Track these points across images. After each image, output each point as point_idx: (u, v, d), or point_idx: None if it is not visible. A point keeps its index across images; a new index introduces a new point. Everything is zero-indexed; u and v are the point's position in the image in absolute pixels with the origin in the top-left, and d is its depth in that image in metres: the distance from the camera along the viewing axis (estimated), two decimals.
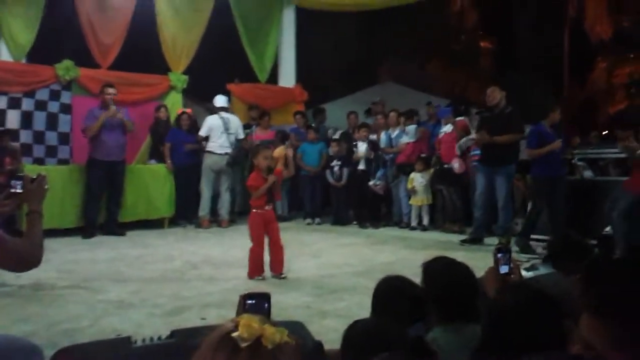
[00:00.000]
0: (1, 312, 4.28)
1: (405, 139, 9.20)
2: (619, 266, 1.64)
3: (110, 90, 8.21)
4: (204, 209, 9.11)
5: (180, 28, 10.00)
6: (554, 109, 7.32)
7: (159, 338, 2.22)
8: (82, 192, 8.09)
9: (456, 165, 8.46)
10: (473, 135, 7.71)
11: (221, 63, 12.10)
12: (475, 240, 7.52)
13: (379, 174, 9.39)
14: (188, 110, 9.53)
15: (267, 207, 5.55)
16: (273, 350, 1.06)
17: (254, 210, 5.55)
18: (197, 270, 5.88)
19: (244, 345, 1.05)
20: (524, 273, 2.77)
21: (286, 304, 4.50)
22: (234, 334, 1.06)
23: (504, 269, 2.45)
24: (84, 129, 8.16)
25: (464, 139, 8.26)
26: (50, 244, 6.70)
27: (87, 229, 7.93)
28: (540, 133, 7.17)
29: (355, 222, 9.48)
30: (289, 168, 6.27)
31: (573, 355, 1.19)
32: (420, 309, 2.18)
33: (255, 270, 5.44)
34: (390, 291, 2.24)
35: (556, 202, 7.12)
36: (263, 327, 1.08)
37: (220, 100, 9.41)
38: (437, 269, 2.30)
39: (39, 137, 8.53)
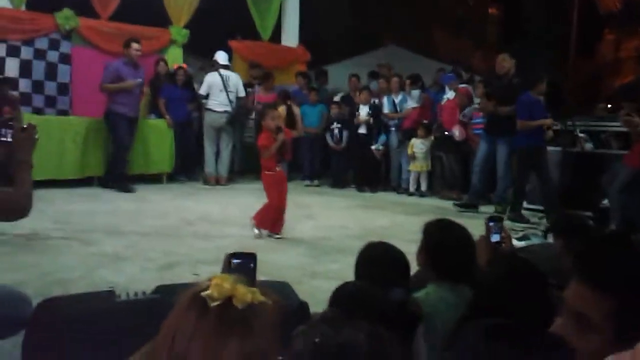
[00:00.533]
0: None
1: (410, 104, 9.14)
2: (613, 237, 1.64)
3: (136, 45, 8.16)
4: (209, 165, 9.13)
5: None
6: (542, 79, 7.19)
7: (144, 293, 2.22)
8: (84, 144, 8.06)
9: (457, 132, 8.42)
10: (475, 106, 7.65)
11: (223, 19, 11.90)
12: (469, 205, 7.54)
13: (381, 138, 9.35)
14: (184, 65, 9.44)
15: (277, 168, 5.62)
16: (243, 311, 1.04)
17: (265, 172, 5.59)
18: (192, 227, 5.90)
19: (213, 304, 1.03)
20: (515, 242, 2.78)
21: (279, 264, 4.53)
22: (204, 293, 1.04)
23: (495, 238, 2.45)
24: (102, 85, 8.12)
25: (468, 108, 8.17)
26: (47, 194, 6.74)
27: (118, 180, 7.98)
28: (530, 103, 7.08)
29: (353, 186, 9.46)
30: (297, 128, 6.29)
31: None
32: (403, 276, 2.19)
33: (263, 223, 5.50)
34: (373, 257, 2.24)
35: (545, 172, 7.12)
36: (235, 286, 1.06)
37: (221, 57, 9.30)
38: (435, 227, 2.36)
39: (38, 87, 8.45)
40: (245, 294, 1.05)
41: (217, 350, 1.03)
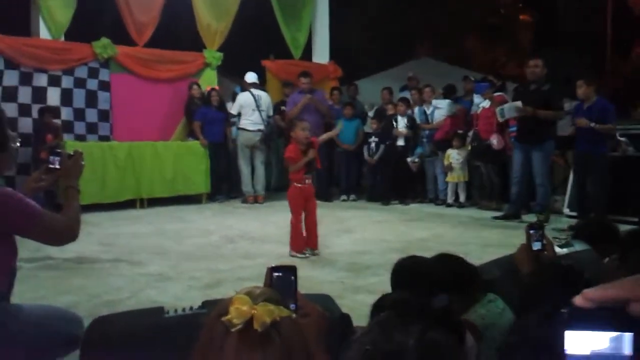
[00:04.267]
0: (46, 284, 4.43)
1: (441, 113, 9.13)
2: None
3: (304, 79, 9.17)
4: (246, 185, 9.24)
5: (214, 5, 10.03)
6: (578, 84, 7.08)
7: (191, 308, 2.27)
8: (124, 167, 8.29)
9: (495, 141, 8.32)
10: (519, 103, 7.31)
11: (255, 40, 12.11)
12: (509, 216, 7.44)
13: (417, 151, 9.34)
14: (216, 87, 9.61)
15: (307, 181, 5.49)
16: (263, 332, 1.05)
17: (294, 184, 5.51)
18: (233, 245, 5.97)
19: (233, 330, 1.05)
20: (557, 250, 2.74)
21: (320, 279, 4.56)
22: (224, 318, 1.06)
23: (536, 246, 2.43)
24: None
25: (507, 105, 7.73)
26: (92, 218, 6.93)
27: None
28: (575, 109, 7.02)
29: (395, 200, 9.30)
30: (322, 137, 6.18)
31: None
32: (440, 285, 2.19)
33: (297, 244, 5.45)
34: (406, 271, 2.25)
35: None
36: (254, 308, 1.07)
37: (250, 77, 9.46)
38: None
39: (79, 114, 8.72)
40: (263, 316, 1.06)
41: None
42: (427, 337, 1.17)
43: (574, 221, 6.85)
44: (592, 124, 6.82)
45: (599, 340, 0.56)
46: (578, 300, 0.58)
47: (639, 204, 6.75)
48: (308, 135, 5.47)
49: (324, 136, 6.22)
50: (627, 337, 0.56)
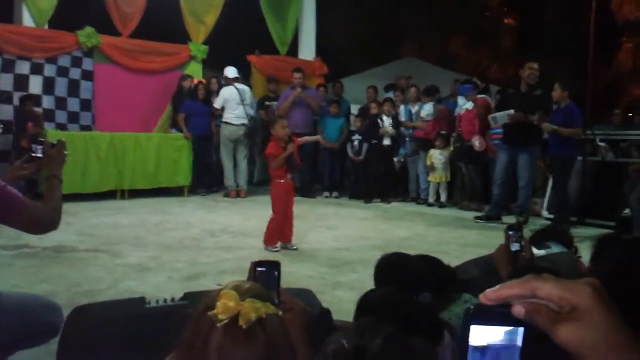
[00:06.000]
0: (25, 273, 4.39)
1: (424, 117, 9.19)
2: (630, 242, 1.66)
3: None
4: (229, 179, 9.22)
5: None
6: (554, 88, 7.14)
7: (173, 300, 2.28)
8: (106, 158, 8.22)
9: (477, 143, 8.40)
10: (511, 112, 7.36)
11: (241, 34, 12.08)
12: (490, 217, 7.52)
13: (402, 151, 9.41)
14: (203, 80, 9.58)
15: (289, 177, 5.55)
16: (248, 329, 1.06)
17: (277, 181, 5.56)
18: (215, 239, 5.97)
19: (219, 325, 1.06)
20: (535, 251, 2.78)
21: (301, 274, 4.57)
22: (210, 313, 1.07)
23: (515, 247, 2.46)
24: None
25: (500, 114, 7.76)
26: (72, 208, 6.86)
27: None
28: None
29: (377, 199, 9.28)
30: (304, 138, 6.17)
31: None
32: (422, 284, 2.21)
33: (272, 239, 5.49)
34: (390, 267, 2.27)
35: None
36: (240, 304, 1.07)
37: (231, 72, 9.42)
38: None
39: (61, 103, 8.64)
40: (249, 312, 1.07)
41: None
42: (399, 336, 1.19)
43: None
44: (555, 127, 6.91)
45: (496, 333, 0.64)
46: (482, 298, 0.64)
47: (616, 208, 6.86)
48: (288, 132, 5.54)
49: (306, 139, 6.23)
50: (520, 331, 0.64)
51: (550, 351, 0.63)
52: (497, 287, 0.64)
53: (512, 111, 7.22)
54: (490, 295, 0.64)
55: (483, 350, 0.63)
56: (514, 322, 0.63)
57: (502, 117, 7.49)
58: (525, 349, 0.63)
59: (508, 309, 0.63)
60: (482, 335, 0.64)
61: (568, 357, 0.62)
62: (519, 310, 0.62)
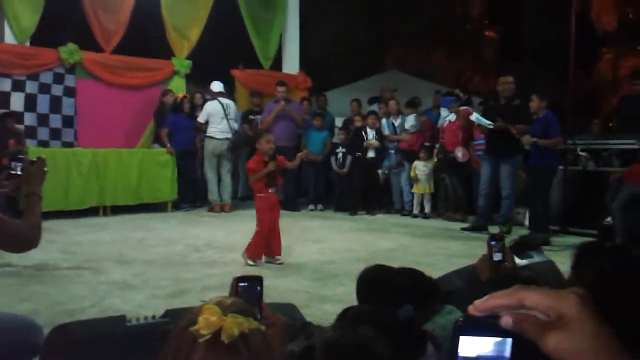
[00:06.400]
0: (5, 291, 4.33)
1: (407, 127, 9.24)
2: (611, 249, 1.68)
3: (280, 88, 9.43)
4: (213, 194, 9.18)
5: (184, 13, 9.97)
6: (531, 99, 7.16)
7: (153, 317, 2.25)
8: (88, 174, 8.15)
9: (460, 154, 8.46)
10: (490, 125, 7.41)
11: (225, 49, 12.08)
12: (476, 228, 7.55)
13: (385, 163, 9.45)
14: (187, 95, 9.56)
15: (270, 190, 5.51)
16: (231, 344, 1.05)
17: (258, 195, 5.53)
18: (199, 254, 5.93)
19: (201, 340, 1.05)
20: (517, 261, 2.80)
21: (286, 288, 4.55)
22: (192, 328, 1.05)
23: (497, 257, 2.47)
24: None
25: (482, 119, 7.72)
26: (54, 225, 6.80)
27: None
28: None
29: (362, 211, 9.27)
30: (294, 161, 6.16)
31: None
32: (404, 296, 2.21)
33: (256, 252, 5.44)
34: (372, 280, 2.27)
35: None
36: (222, 319, 1.06)
37: (217, 86, 9.43)
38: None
39: (43, 120, 8.58)
40: (232, 327, 1.06)
41: None
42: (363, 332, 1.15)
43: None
44: (534, 140, 6.97)
45: (485, 344, 0.64)
46: (470, 308, 0.65)
47: (598, 217, 6.93)
48: (273, 147, 5.52)
49: (294, 163, 6.16)
50: (508, 341, 0.64)
51: None
52: (485, 297, 0.65)
53: (491, 125, 7.32)
54: (479, 305, 0.64)
55: None
56: (502, 332, 0.63)
57: (484, 122, 7.53)
58: (514, 359, 0.64)
59: (496, 319, 0.63)
60: (471, 346, 0.64)
61: None
62: (506, 320, 0.63)
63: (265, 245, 5.51)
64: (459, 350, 0.64)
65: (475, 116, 7.65)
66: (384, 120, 9.52)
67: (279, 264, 5.49)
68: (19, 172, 2.41)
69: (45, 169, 2.46)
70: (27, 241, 2.25)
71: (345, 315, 1.90)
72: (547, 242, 6.47)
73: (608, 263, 1.39)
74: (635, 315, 1.05)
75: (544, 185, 7.14)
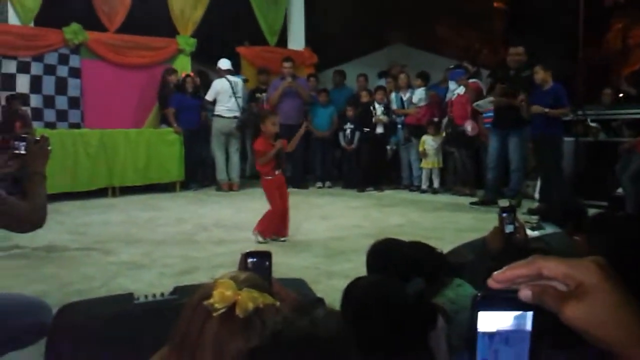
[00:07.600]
0: (16, 273, 4.35)
1: (416, 101, 9.15)
2: (624, 219, 1.65)
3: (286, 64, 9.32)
4: (221, 173, 9.16)
5: None
6: (535, 70, 7.06)
7: (162, 295, 2.24)
8: (96, 155, 8.13)
9: (469, 127, 8.37)
10: (490, 98, 7.43)
11: (230, 26, 11.97)
12: (485, 202, 7.51)
13: (392, 139, 9.38)
14: (191, 73, 9.49)
15: (276, 172, 5.51)
16: (245, 318, 1.04)
17: (265, 178, 5.52)
18: (207, 233, 5.93)
19: (215, 314, 1.04)
20: (529, 232, 2.76)
21: (294, 264, 4.55)
22: (206, 302, 1.04)
23: (509, 229, 2.45)
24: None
25: (483, 100, 7.87)
26: (62, 207, 6.83)
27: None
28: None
29: (370, 187, 9.23)
30: (291, 142, 5.99)
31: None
32: (413, 268, 2.19)
33: (267, 229, 5.46)
34: (382, 252, 2.25)
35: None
36: (237, 294, 1.05)
37: (225, 63, 9.32)
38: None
39: (49, 102, 8.56)
40: (246, 302, 1.04)
41: (223, 352, 1.03)
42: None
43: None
44: (546, 110, 6.88)
45: (505, 319, 0.63)
46: (490, 282, 0.64)
47: (609, 188, 6.87)
48: (277, 130, 5.50)
49: (292, 144, 6.03)
50: (529, 315, 0.63)
51: (560, 334, 0.64)
52: (503, 269, 0.64)
53: (491, 97, 7.28)
54: (498, 277, 0.63)
55: (491, 335, 0.63)
56: (522, 306, 0.63)
57: (485, 103, 7.55)
58: (535, 332, 0.63)
59: (515, 293, 0.62)
60: (490, 321, 0.63)
61: (578, 338, 0.61)
62: (525, 293, 0.62)
63: (278, 225, 5.52)
64: (478, 326, 0.63)
65: (475, 104, 7.66)
66: (393, 95, 9.44)
67: (282, 241, 5.50)
68: (22, 152, 2.38)
69: (49, 147, 2.44)
70: (30, 221, 2.24)
71: (351, 289, 1.88)
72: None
73: (623, 232, 1.36)
74: None
75: (554, 155, 7.04)
